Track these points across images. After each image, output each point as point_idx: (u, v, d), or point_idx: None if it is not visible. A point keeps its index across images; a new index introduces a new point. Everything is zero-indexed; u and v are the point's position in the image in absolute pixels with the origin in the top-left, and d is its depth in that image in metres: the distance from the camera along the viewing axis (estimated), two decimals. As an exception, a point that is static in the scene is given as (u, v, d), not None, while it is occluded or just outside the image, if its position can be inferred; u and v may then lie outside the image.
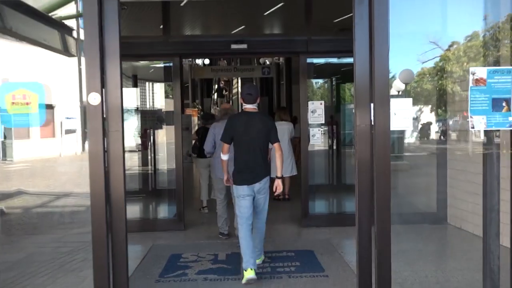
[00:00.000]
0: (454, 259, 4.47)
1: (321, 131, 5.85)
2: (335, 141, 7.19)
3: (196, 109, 19.40)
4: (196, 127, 13.34)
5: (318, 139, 5.80)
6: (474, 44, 6.36)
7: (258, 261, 4.12)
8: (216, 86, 20.97)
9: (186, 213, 6.05)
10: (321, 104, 5.79)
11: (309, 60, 5.78)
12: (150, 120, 7.54)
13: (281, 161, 3.93)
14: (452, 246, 5.03)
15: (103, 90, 2.92)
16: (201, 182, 6.87)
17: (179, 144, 5.68)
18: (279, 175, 3.96)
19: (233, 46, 5.53)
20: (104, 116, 2.92)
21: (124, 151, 3.00)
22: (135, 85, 8.19)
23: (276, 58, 17.76)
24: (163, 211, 6.34)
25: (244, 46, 5.52)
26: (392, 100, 2.92)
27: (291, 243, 5.01)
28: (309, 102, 5.75)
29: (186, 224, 5.81)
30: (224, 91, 19.51)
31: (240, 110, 4.36)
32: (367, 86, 3.01)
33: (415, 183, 6.94)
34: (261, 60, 20.57)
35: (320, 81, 9.09)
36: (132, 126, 8.35)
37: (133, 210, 6.46)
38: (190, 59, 17.29)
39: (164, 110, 8.24)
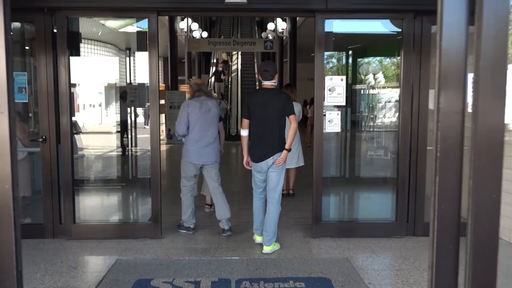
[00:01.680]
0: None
1: (340, 114, 4.54)
2: (351, 125, 5.88)
3: (192, 86, 17.95)
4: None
5: (336, 126, 4.49)
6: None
7: (268, 249, 4.06)
8: (214, 69, 19.35)
9: (165, 212, 4.83)
10: (342, 80, 4.47)
11: (327, 23, 4.42)
12: (128, 97, 6.23)
13: (293, 134, 3.96)
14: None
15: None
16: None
17: (155, 125, 4.38)
18: (287, 147, 3.98)
19: (228, 0, 4.16)
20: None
21: (14, 141, 1.72)
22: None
23: (280, 31, 16.28)
24: (135, 211, 5.05)
25: (243, 0, 4.16)
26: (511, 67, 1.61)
27: (300, 265, 3.76)
28: (327, 78, 4.43)
29: (164, 229, 4.56)
30: (222, 74, 17.90)
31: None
32: (461, 49, 1.70)
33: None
34: (263, 34, 19.07)
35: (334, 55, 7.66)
36: (108, 104, 7.11)
37: (97, 209, 5.18)
38: (186, 30, 15.83)
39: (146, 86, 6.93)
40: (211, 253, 4.03)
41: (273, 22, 16.13)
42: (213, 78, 18.02)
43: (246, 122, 4.07)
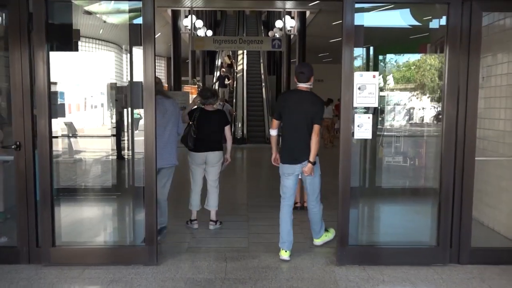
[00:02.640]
0: None
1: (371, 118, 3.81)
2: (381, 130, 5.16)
3: (196, 86, 17.26)
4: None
5: (367, 131, 3.76)
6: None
7: (318, 241, 4.22)
8: (218, 73, 18.55)
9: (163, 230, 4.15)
10: (374, 77, 3.75)
11: (357, 16, 3.69)
12: (124, 97, 5.57)
13: (315, 146, 3.84)
14: None
15: None
16: (191, 185, 4.88)
17: (151, 128, 3.66)
18: (311, 159, 3.85)
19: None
20: None
21: None
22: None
23: (288, 29, 15.55)
24: (127, 230, 4.30)
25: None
26: None
27: (327, 305, 3.03)
28: (356, 74, 3.71)
29: (160, 252, 3.86)
30: (226, 79, 17.09)
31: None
32: None
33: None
34: (270, 33, 18.36)
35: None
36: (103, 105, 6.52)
37: (81, 228, 4.46)
38: (190, 28, 15.15)
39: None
40: (217, 287, 3.30)
41: (281, 19, 15.43)
42: (217, 84, 17.20)
43: (276, 123, 4.08)
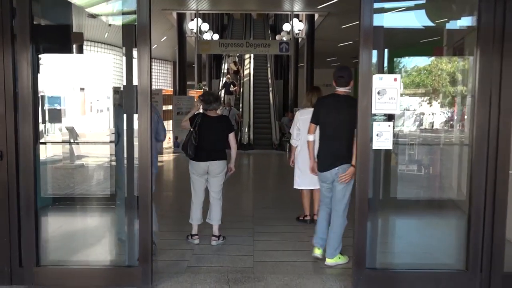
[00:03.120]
0: None
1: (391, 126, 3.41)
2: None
3: (202, 90, 16.94)
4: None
5: (387, 141, 3.36)
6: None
7: (331, 261, 3.86)
8: (223, 80, 18.21)
9: (162, 246, 3.88)
10: (395, 80, 3.35)
11: (377, 16, 3.31)
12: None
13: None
14: None
15: None
16: (192, 197, 4.51)
17: (145, 135, 3.29)
18: (354, 163, 3.67)
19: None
20: None
21: None
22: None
23: (296, 33, 15.20)
24: (119, 246, 3.91)
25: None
26: None
27: None
28: (374, 77, 3.32)
29: (156, 272, 3.47)
30: (232, 86, 16.68)
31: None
32: None
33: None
34: (277, 37, 18.05)
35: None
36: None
37: (69, 245, 4.07)
38: (195, 31, 14.85)
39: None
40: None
41: (289, 22, 15.10)
42: (223, 91, 16.82)
43: (313, 127, 4.00)
